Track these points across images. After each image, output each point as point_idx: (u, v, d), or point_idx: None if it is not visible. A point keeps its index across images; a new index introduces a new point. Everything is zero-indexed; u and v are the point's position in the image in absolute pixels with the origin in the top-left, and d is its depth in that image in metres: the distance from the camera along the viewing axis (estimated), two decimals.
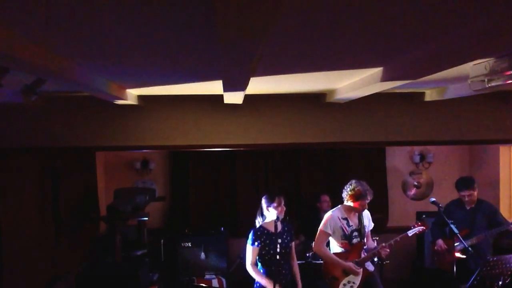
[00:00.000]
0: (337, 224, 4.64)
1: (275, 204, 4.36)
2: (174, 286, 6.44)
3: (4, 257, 5.42)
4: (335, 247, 4.71)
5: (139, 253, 5.69)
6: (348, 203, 4.65)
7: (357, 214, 4.71)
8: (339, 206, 4.78)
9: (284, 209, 4.43)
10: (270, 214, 4.41)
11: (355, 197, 4.58)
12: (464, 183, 5.24)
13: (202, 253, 6.50)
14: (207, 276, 6.38)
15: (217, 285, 6.29)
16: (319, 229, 4.69)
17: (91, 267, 5.03)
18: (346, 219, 4.67)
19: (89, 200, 6.45)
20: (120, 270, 4.91)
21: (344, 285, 4.60)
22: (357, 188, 4.59)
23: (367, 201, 4.63)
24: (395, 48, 2.68)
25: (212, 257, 6.53)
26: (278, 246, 4.34)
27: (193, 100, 5.25)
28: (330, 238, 4.72)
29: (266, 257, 4.37)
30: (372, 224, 4.90)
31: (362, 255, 4.68)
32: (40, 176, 5.80)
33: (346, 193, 4.65)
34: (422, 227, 4.79)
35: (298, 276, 4.58)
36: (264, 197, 4.49)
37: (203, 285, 6.09)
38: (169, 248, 6.54)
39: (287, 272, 4.46)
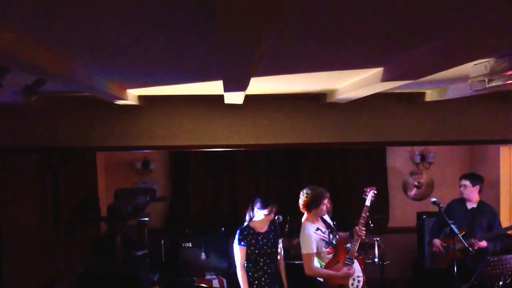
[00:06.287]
0: (316, 238, 4.45)
1: (266, 212, 4.39)
2: (174, 287, 6.43)
3: (4, 257, 5.43)
4: (325, 257, 4.52)
5: (139, 253, 5.67)
6: (311, 214, 4.52)
7: (319, 218, 4.59)
8: (304, 222, 4.56)
9: (272, 217, 4.46)
10: (259, 214, 4.44)
11: (314, 203, 4.46)
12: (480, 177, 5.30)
13: (203, 253, 6.50)
14: (207, 276, 6.37)
15: (218, 285, 6.28)
16: (303, 253, 4.45)
17: (92, 267, 5.03)
18: (317, 229, 4.50)
19: (90, 201, 6.44)
20: (120, 271, 4.91)
21: (352, 284, 4.55)
22: (310, 193, 4.47)
23: (328, 198, 4.52)
24: (396, 48, 2.67)
25: (212, 257, 6.52)
26: (265, 245, 4.36)
27: (193, 100, 5.25)
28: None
29: (252, 257, 4.38)
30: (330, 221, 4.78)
31: (347, 249, 4.57)
32: (40, 177, 5.80)
33: (304, 206, 4.52)
34: (371, 190, 4.72)
35: (283, 274, 4.60)
36: (258, 199, 4.49)
37: (204, 285, 6.08)
38: (170, 248, 6.54)
39: (273, 271, 4.47)
